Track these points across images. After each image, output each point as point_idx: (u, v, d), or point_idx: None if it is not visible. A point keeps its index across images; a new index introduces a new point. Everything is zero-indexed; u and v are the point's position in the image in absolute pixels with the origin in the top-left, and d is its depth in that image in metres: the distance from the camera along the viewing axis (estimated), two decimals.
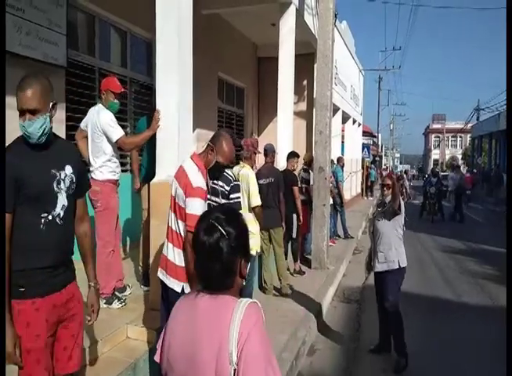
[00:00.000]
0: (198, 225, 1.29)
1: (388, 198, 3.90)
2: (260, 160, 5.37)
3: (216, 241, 1.23)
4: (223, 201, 2.77)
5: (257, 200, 4.12)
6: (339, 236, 9.12)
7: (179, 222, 2.51)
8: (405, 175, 24.98)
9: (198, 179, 2.53)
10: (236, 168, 4.35)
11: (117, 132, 3.53)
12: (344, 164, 9.81)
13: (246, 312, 1.19)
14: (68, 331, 1.96)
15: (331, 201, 8.88)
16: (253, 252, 4.08)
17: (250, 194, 4.13)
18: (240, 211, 2.85)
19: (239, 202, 2.96)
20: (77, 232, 2.07)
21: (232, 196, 2.90)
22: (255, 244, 4.10)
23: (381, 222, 3.89)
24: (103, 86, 3.72)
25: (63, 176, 1.90)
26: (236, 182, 2.96)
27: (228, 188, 2.90)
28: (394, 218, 3.83)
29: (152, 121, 3.66)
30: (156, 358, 1.37)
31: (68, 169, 1.94)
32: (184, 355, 1.24)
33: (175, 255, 2.53)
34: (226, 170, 3.00)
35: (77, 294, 2.02)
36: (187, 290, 2.49)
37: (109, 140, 3.54)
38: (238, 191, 2.96)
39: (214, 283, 1.26)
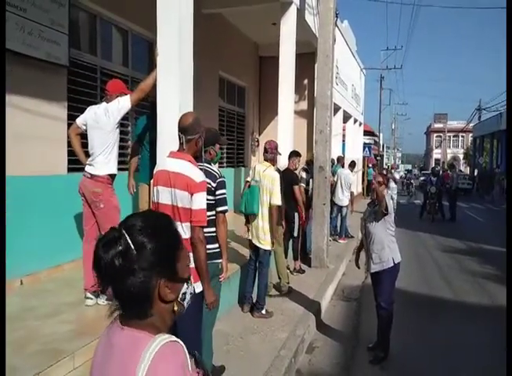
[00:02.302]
0: (102, 236, 0.98)
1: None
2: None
3: (112, 257, 0.92)
4: (210, 198, 2.79)
5: (278, 200, 4.41)
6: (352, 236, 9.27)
7: (184, 225, 2.53)
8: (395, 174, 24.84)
9: (198, 173, 2.57)
10: (260, 167, 4.59)
11: (125, 99, 3.60)
12: (344, 164, 9.86)
13: (154, 358, 0.90)
14: None
15: (347, 202, 9.01)
16: (268, 247, 4.46)
17: (272, 193, 4.39)
18: (226, 208, 2.94)
19: (225, 198, 2.98)
20: None
21: (218, 192, 2.92)
22: (269, 240, 4.46)
23: (372, 224, 3.92)
24: (117, 89, 3.74)
25: None
26: (221, 179, 2.97)
27: (214, 184, 2.91)
28: (384, 218, 3.85)
29: (150, 120, 3.74)
30: None
31: None
32: None
33: None
34: (210, 166, 3.02)
35: None
36: (197, 290, 2.53)
37: (116, 122, 3.61)
38: (224, 187, 2.97)
39: (125, 311, 0.98)
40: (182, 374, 0.92)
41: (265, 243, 4.44)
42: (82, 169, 3.76)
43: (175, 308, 1.01)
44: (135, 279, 0.93)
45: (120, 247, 0.92)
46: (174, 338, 0.95)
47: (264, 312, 4.48)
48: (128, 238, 0.93)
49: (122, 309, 0.98)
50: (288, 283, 5.27)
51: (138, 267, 0.93)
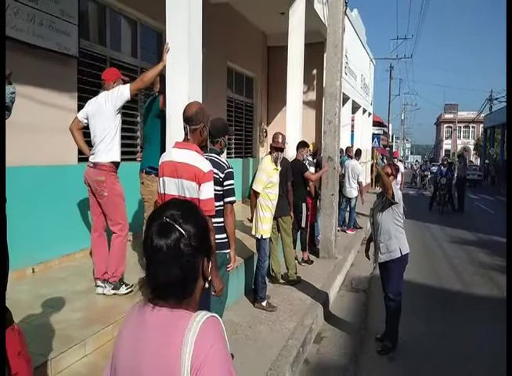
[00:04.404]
0: (149, 227, 1.07)
1: None
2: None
3: (175, 243, 1.02)
4: (218, 188, 2.80)
5: (255, 186, 4.46)
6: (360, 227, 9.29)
7: None
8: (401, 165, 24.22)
9: (205, 163, 2.58)
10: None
11: (125, 88, 3.58)
12: (352, 155, 9.78)
13: (200, 331, 0.98)
14: None
15: (355, 194, 8.96)
16: (258, 236, 4.46)
17: (255, 177, 4.47)
18: (234, 199, 2.95)
19: (233, 189, 2.98)
20: None
21: (226, 183, 2.92)
22: (268, 229, 4.48)
23: (379, 214, 3.91)
24: (113, 76, 3.75)
25: None
26: (229, 169, 2.97)
27: (222, 175, 2.91)
28: (392, 208, 3.83)
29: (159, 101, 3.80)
30: None
31: None
32: None
33: None
34: (219, 157, 3.02)
35: None
36: None
37: (117, 111, 3.59)
38: (232, 178, 2.97)
39: (171, 292, 1.04)
40: (225, 345, 1.01)
41: (257, 231, 4.47)
42: None
43: (206, 285, 1.14)
44: (191, 260, 1.05)
45: (175, 235, 1.03)
46: (212, 313, 1.05)
47: (264, 304, 4.42)
48: (177, 226, 1.04)
49: (166, 293, 1.04)
50: (296, 273, 5.29)
51: (191, 249, 1.04)
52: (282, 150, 4.65)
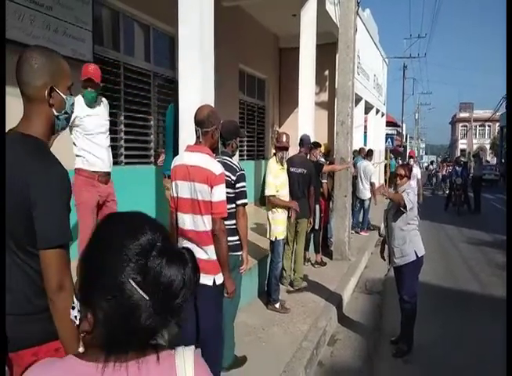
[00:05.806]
0: (157, 257, 0.77)
1: (401, 188, 3.88)
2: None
3: (190, 275, 0.80)
4: (230, 191, 2.82)
5: (267, 190, 4.49)
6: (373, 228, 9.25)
7: (205, 217, 2.56)
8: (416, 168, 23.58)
9: (217, 166, 2.59)
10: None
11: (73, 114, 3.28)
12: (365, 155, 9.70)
13: (196, 368, 0.84)
14: None
15: (369, 195, 8.89)
16: (280, 237, 4.48)
17: (265, 183, 4.48)
18: (246, 201, 2.96)
19: (245, 191, 2.99)
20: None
21: (237, 185, 2.93)
22: (281, 230, 4.50)
23: (393, 218, 3.87)
24: (83, 74, 3.45)
25: None
26: (241, 172, 2.98)
27: (234, 178, 2.92)
28: (406, 213, 3.78)
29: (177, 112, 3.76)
30: None
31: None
32: None
33: (204, 252, 2.57)
34: (230, 159, 3.02)
35: None
36: (218, 281, 2.58)
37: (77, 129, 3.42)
38: (244, 180, 2.98)
39: (141, 341, 0.80)
40: None
41: (271, 234, 4.51)
42: None
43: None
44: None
45: (191, 263, 0.81)
46: (186, 347, 0.88)
47: (277, 305, 4.43)
48: (189, 255, 0.82)
49: (140, 342, 0.80)
50: (302, 278, 5.20)
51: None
52: (286, 149, 4.58)
